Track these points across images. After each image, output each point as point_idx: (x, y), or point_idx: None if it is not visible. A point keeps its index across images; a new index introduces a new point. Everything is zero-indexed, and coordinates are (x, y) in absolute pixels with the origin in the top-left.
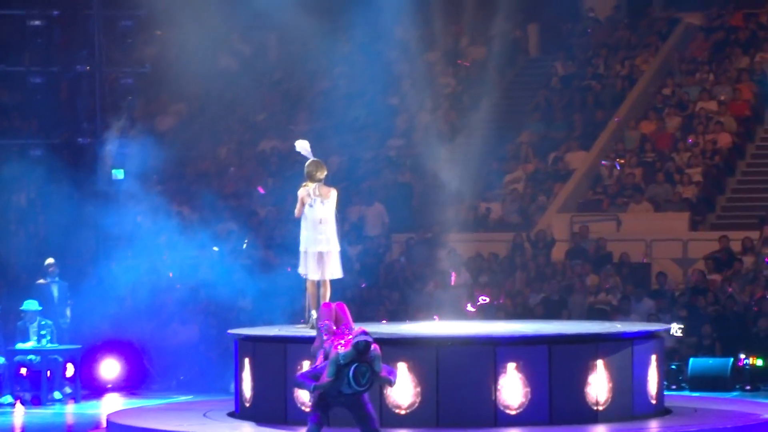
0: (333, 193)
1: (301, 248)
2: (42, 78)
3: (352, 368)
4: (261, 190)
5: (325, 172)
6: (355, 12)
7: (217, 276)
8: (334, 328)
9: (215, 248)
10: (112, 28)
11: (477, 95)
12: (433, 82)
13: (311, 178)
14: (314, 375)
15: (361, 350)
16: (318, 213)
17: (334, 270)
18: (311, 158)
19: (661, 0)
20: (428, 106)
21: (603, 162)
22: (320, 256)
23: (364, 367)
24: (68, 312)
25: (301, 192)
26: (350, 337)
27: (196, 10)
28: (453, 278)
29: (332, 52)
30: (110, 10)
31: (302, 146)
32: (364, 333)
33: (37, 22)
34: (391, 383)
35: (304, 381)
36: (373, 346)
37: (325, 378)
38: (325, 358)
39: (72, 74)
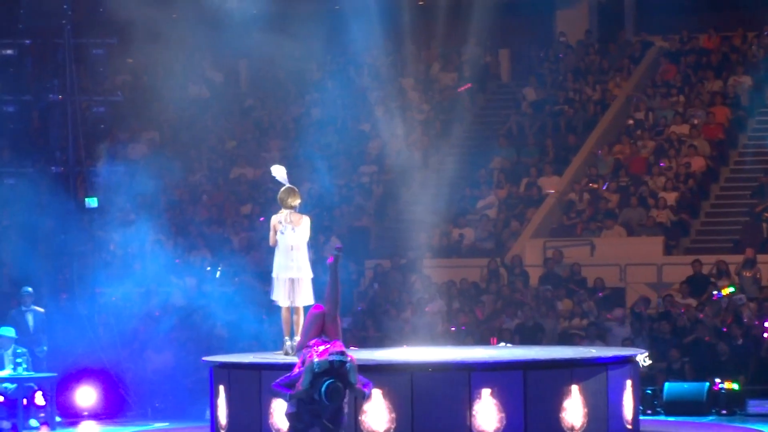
0: (305, 220)
1: (273, 274)
2: (14, 107)
3: (326, 384)
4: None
5: (298, 200)
6: (327, 38)
7: (192, 303)
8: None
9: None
10: (83, 56)
11: (449, 121)
12: (406, 108)
13: (283, 204)
14: (290, 383)
15: (336, 368)
16: (289, 240)
17: (306, 297)
18: (286, 185)
19: (632, 24)
20: (400, 132)
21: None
22: (291, 283)
23: (338, 385)
24: (45, 339)
25: (273, 219)
26: (328, 346)
27: (167, 38)
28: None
29: (303, 78)
30: (82, 39)
31: (278, 172)
32: (342, 351)
33: (9, 51)
34: (365, 396)
35: (279, 390)
36: (349, 357)
37: (300, 387)
38: (302, 365)
39: (44, 103)
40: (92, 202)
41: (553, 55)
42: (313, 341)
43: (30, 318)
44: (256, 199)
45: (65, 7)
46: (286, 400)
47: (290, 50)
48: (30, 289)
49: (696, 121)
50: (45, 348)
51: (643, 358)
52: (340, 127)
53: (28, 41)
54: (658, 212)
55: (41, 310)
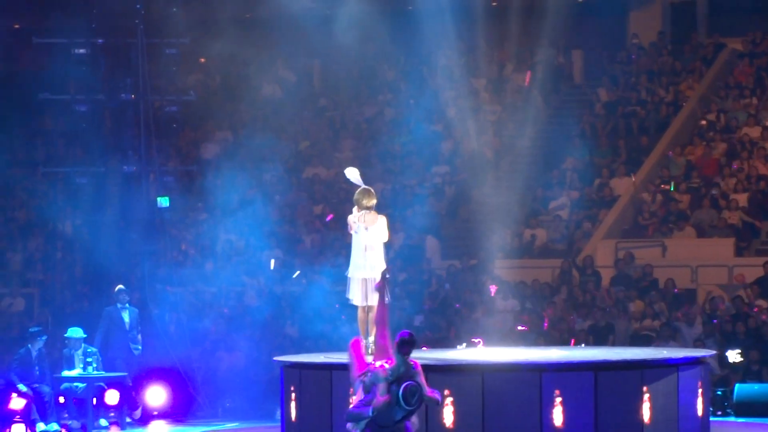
0: (380, 220)
1: (348, 274)
2: (87, 106)
3: (403, 386)
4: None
5: (374, 201)
6: (400, 39)
7: (264, 302)
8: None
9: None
10: (156, 56)
11: (521, 121)
12: (478, 109)
13: (359, 205)
14: (366, 403)
15: (406, 372)
16: (363, 240)
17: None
18: (361, 186)
19: (705, 26)
20: (473, 133)
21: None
22: (365, 282)
23: (415, 386)
24: (140, 338)
25: (349, 219)
26: (387, 362)
27: (240, 37)
28: (493, 290)
29: (377, 79)
30: (154, 38)
31: (352, 174)
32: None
33: (82, 51)
34: (438, 403)
35: (360, 410)
36: (413, 362)
37: (380, 398)
38: (366, 391)
39: (117, 102)
40: (164, 202)
41: (626, 56)
42: (367, 366)
43: (126, 315)
44: (328, 199)
45: (138, 6)
46: (366, 414)
47: (363, 50)
48: (123, 286)
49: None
50: (140, 346)
51: (734, 354)
52: (412, 128)
53: (100, 41)
54: (730, 214)
55: (136, 309)
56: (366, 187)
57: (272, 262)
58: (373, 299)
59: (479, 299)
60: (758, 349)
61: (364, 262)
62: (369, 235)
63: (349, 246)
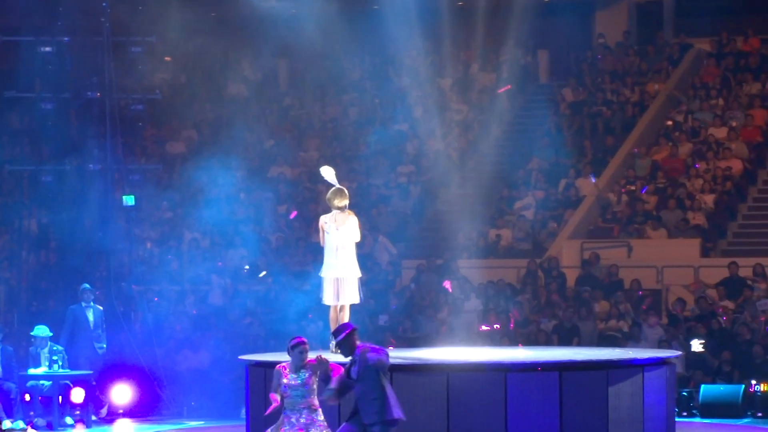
0: (351, 220)
1: (321, 274)
2: (53, 104)
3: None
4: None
5: (346, 201)
6: (365, 38)
7: (230, 301)
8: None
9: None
10: (122, 54)
11: (487, 121)
12: (444, 108)
13: (331, 205)
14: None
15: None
16: (334, 240)
17: (351, 295)
18: (335, 185)
19: (671, 26)
20: (438, 133)
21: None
22: (336, 282)
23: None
24: (104, 336)
25: (320, 219)
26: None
27: (206, 37)
28: (448, 286)
29: (342, 78)
30: (120, 37)
31: (327, 173)
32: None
33: (48, 49)
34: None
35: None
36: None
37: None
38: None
39: (82, 100)
40: (129, 200)
41: (592, 56)
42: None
43: (90, 314)
44: (294, 198)
45: (104, 5)
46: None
47: (329, 50)
48: (88, 285)
49: (734, 124)
50: (104, 345)
51: (697, 344)
52: (378, 127)
53: (66, 39)
54: (695, 214)
55: (100, 307)
56: (339, 186)
57: (246, 267)
58: (346, 298)
59: (444, 299)
60: (730, 350)
61: (336, 261)
62: (340, 235)
63: (314, 245)
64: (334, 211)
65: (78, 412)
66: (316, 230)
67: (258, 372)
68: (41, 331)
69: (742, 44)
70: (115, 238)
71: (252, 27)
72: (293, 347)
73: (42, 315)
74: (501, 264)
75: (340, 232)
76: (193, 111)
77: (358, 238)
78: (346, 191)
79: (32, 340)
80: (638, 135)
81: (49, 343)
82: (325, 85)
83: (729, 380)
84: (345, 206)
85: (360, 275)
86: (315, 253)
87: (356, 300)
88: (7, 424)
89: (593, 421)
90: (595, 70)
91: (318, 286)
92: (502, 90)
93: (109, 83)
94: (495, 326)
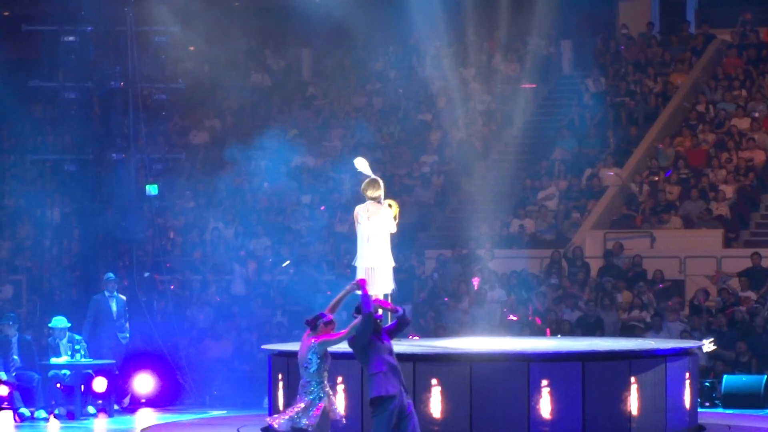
0: (384, 210)
1: (354, 263)
2: (76, 93)
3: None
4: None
5: (379, 191)
6: (389, 28)
7: (252, 291)
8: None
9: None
10: (145, 44)
11: (510, 112)
12: (467, 98)
13: (364, 195)
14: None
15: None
16: (365, 230)
17: (384, 284)
18: (370, 176)
19: (694, 16)
20: (462, 123)
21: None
22: (368, 272)
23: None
24: (127, 326)
25: (355, 210)
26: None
27: (229, 26)
28: (476, 283)
29: (366, 68)
30: (144, 26)
31: (361, 164)
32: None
33: (71, 38)
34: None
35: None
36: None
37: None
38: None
39: (106, 90)
40: (153, 189)
41: (615, 46)
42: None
43: (113, 304)
44: (316, 188)
45: None
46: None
47: (352, 39)
48: (112, 275)
49: (757, 115)
50: (127, 335)
51: (708, 343)
52: (401, 117)
53: (90, 28)
54: (718, 205)
55: (123, 297)
56: (374, 177)
57: (286, 262)
58: (377, 287)
59: (466, 289)
60: (746, 341)
61: (367, 251)
62: (371, 225)
63: (336, 235)
64: (368, 202)
65: (100, 402)
66: (340, 220)
67: (280, 361)
68: (59, 322)
69: (765, 35)
70: (138, 227)
71: (275, 16)
72: (327, 323)
73: (64, 304)
74: (524, 254)
75: (372, 222)
76: (217, 100)
77: (393, 229)
78: (381, 182)
79: (50, 331)
80: (661, 126)
81: (68, 333)
82: (349, 74)
83: (747, 371)
84: (379, 197)
85: (393, 265)
86: (339, 243)
87: (388, 290)
88: (27, 413)
89: (615, 410)
90: (618, 60)
91: (351, 275)
92: (527, 86)
93: (132, 73)
94: (513, 317)
